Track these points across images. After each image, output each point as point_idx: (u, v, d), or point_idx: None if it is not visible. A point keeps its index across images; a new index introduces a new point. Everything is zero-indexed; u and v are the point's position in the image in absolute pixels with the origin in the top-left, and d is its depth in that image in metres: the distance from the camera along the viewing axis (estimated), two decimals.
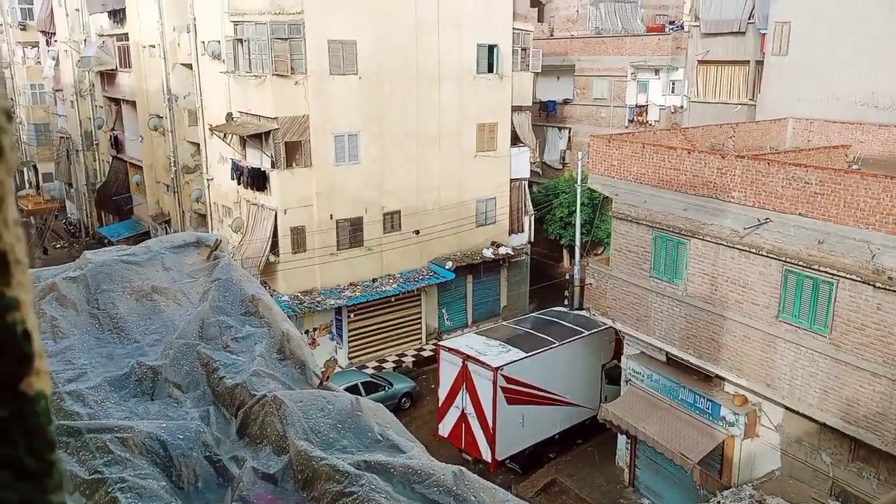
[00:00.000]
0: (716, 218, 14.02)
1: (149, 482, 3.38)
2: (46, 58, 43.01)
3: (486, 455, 17.48)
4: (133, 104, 32.40)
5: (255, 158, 23.07)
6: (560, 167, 33.23)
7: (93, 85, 36.48)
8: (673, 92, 29.20)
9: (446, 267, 25.39)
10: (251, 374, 4.24)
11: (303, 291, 23.16)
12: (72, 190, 41.61)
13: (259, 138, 22.59)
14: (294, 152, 22.65)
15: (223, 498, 3.46)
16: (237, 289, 5.25)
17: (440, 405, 18.93)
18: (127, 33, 31.43)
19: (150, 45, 29.62)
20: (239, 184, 23.58)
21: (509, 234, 27.68)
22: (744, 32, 24.18)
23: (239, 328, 4.89)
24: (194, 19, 25.13)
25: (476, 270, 26.92)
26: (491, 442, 17.45)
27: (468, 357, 17.97)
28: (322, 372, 4.55)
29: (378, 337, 25.14)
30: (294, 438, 3.59)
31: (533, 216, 28.76)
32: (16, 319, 0.55)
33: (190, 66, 26.22)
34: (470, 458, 17.61)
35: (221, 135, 23.98)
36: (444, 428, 18.68)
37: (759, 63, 23.60)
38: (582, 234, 25.98)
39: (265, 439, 3.79)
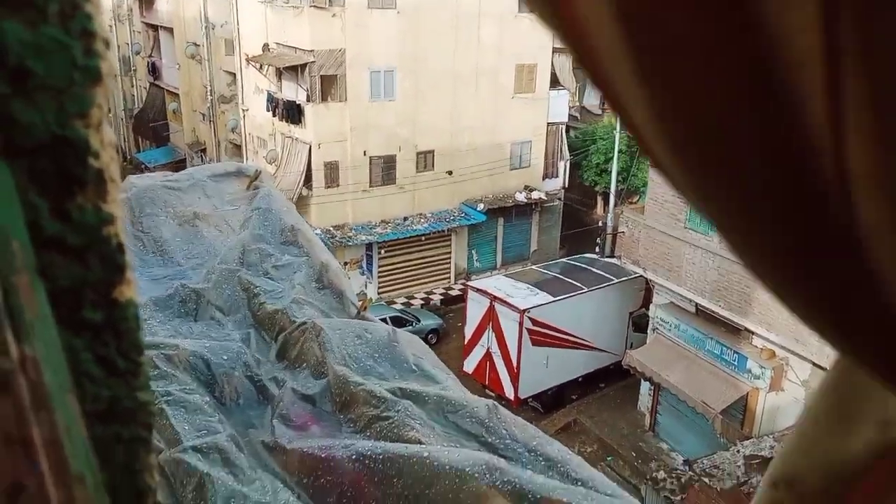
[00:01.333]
0: None
1: (193, 397, 3.52)
2: None
3: (509, 393, 17.82)
4: (170, 31, 32.30)
5: (291, 91, 22.98)
6: (599, 112, 32.57)
7: (130, 10, 36.37)
8: None
9: (478, 209, 25.35)
10: (291, 301, 4.35)
11: (335, 226, 23.38)
12: (109, 115, 41.99)
13: (295, 70, 22.45)
14: (329, 86, 22.50)
15: (263, 415, 3.61)
16: (277, 218, 5.33)
17: (466, 343, 19.25)
18: None
19: None
20: (274, 116, 23.59)
21: (543, 179, 27.44)
22: None
23: (279, 256, 4.98)
24: None
25: (508, 213, 26.85)
26: (514, 381, 17.77)
27: (496, 298, 18.14)
28: (360, 304, 4.64)
29: (407, 274, 25.41)
30: (333, 363, 3.70)
31: (568, 161, 28.40)
32: (111, 232, 0.59)
33: None
34: (493, 395, 17.97)
35: (257, 65, 23.87)
36: (469, 365, 19.03)
37: None
38: (618, 181, 25.64)
39: (304, 363, 3.91)
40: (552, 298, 18.15)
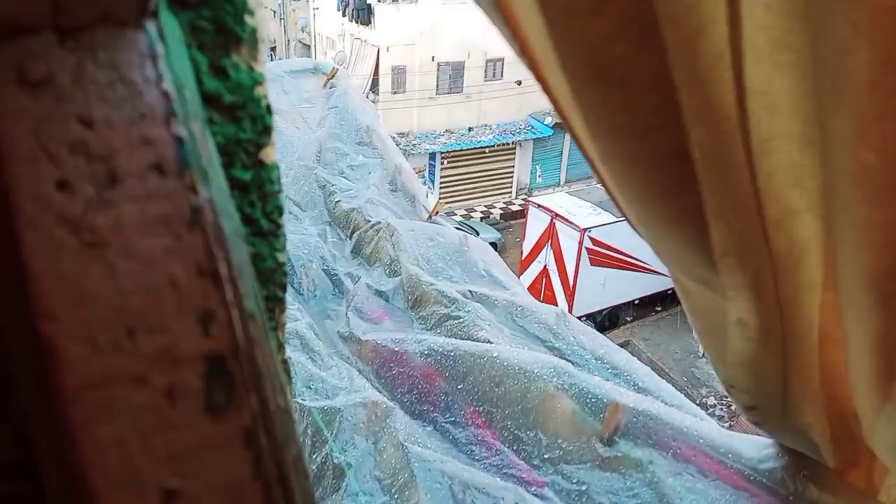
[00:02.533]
0: None
1: None
2: None
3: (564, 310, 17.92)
4: None
5: None
6: None
7: None
8: None
9: (545, 122, 24.79)
10: (366, 201, 4.43)
11: (399, 133, 23.31)
12: None
13: None
14: None
15: (339, 307, 3.77)
16: (352, 118, 5.35)
17: (523, 258, 19.30)
18: None
19: None
20: (344, 16, 23.22)
21: None
22: None
23: (354, 156, 5.04)
24: None
25: None
26: (570, 299, 17.85)
27: (557, 215, 17.98)
28: (432, 207, 4.70)
29: (468, 186, 25.35)
30: (405, 262, 3.79)
31: None
32: (261, 93, 0.60)
33: None
34: None
35: None
36: (525, 281, 19.14)
37: None
38: None
39: (378, 261, 4.02)
40: (614, 219, 17.86)
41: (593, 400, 2.57)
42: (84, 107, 0.40)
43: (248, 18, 0.58)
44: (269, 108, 0.65)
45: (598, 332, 3.23)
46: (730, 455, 2.10)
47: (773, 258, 1.13)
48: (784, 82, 0.84)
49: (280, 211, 0.75)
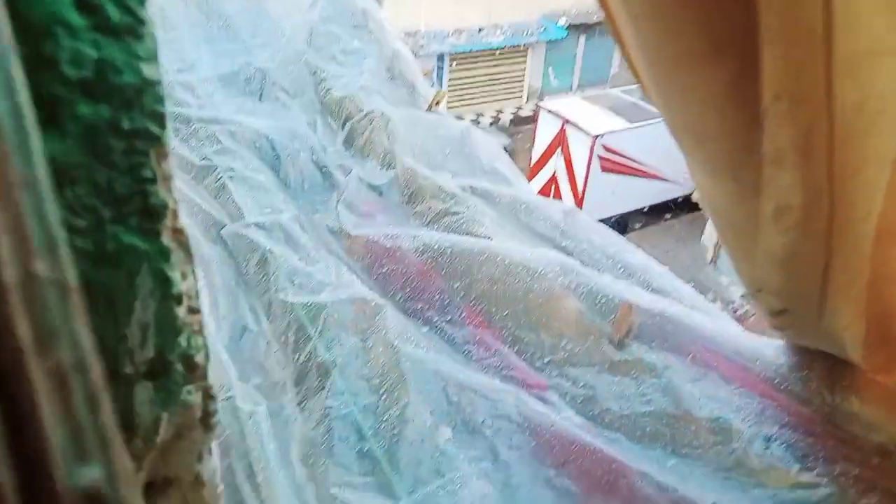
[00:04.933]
0: None
1: (258, 175, 3.40)
2: None
3: None
4: None
5: None
6: None
7: None
8: None
9: (559, 23, 23.66)
10: (359, 88, 4.07)
11: (406, 33, 22.31)
12: None
13: None
14: None
15: (328, 201, 3.48)
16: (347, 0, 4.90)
17: (532, 165, 18.86)
18: None
19: None
20: None
21: None
22: None
23: (348, 41, 4.62)
24: None
25: (591, 31, 25.02)
26: (578, 205, 17.53)
27: (568, 121, 17.43)
28: (432, 97, 4.33)
29: (478, 90, 24.52)
30: (401, 155, 3.48)
31: None
32: None
33: None
34: None
35: None
36: (533, 188, 18.79)
37: None
38: None
39: (371, 153, 3.71)
40: (628, 125, 17.33)
41: (603, 300, 2.31)
42: None
43: None
44: None
45: (609, 230, 2.95)
46: (757, 361, 1.86)
47: (833, 115, 0.84)
48: None
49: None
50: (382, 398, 2.30)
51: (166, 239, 0.62)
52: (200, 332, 0.71)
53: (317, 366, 2.51)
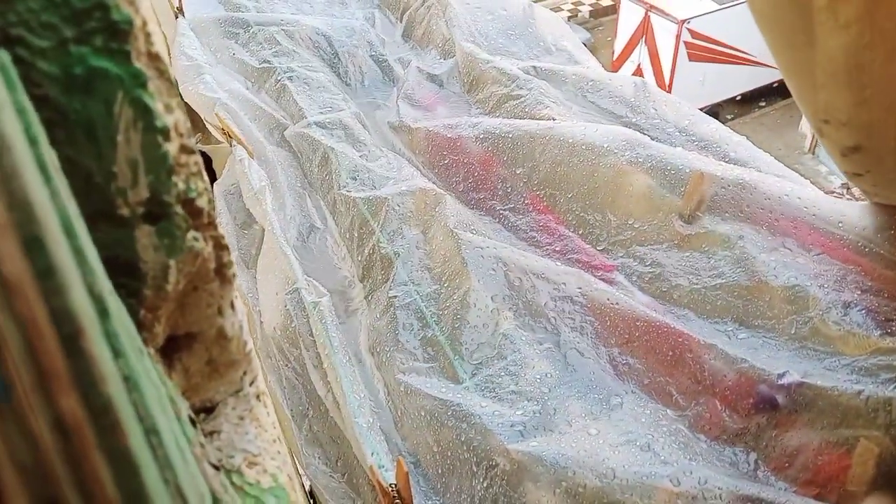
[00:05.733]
0: None
1: (317, 74, 3.35)
2: None
3: None
4: None
5: None
6: None
7: None
8: None
9: None
10: None
11: None
12: None
13: None
14: None
15: (389, 96, 3.40)
16: None
17: (614, 59, 17.91)
18: None
19: None
20: None
21: None
22: None
23: None
24: None
25: None
26: None
27: (652, 7, 16.31)
28: None
29: None
30: (460, 41, 3.32)
31: None
32: None
33: None
34: None
35: None
36: None
37: None
38: None
39: (430, 43, 3.57)
40: (717, 6, 16.06)
41: (672, 172, 2.16)
42: None
43: None
44: None
45: (682, 102, 2.74)
46: (840, 224, 1.69)
47: None
48: None
49: None
50: (444, 285, 2.28)
51: (140, 63, 0.57)
52: (200, 174, 0.67)
53: (380, 258, 2.51)
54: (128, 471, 0.32)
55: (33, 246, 0.30)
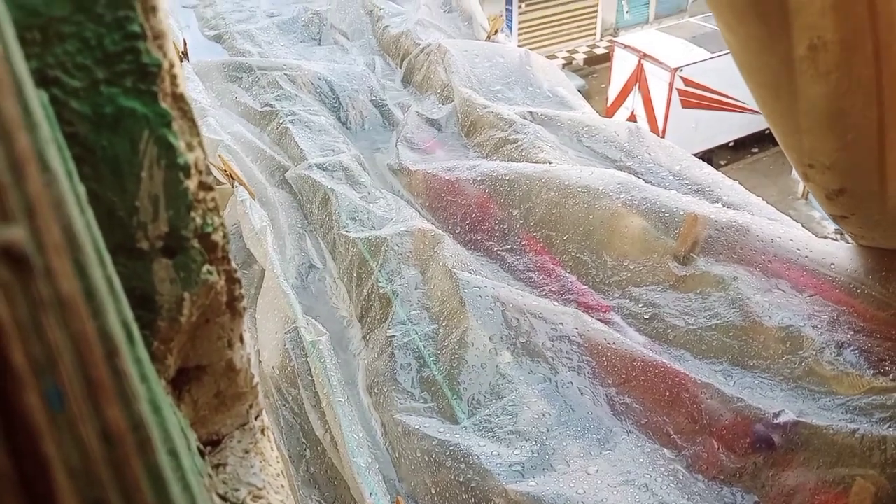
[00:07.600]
0: None
1: (318, 118, 3.42)
2: None
3: None
4: None
5: None
6: None
7: None
8: None
9: None
10: (416, 24, 3.99)
11: None
12: None
13: None
14: None
15: (389, 139, 3.47)
16: None
17: (608, 105, 18.23)
18: None
19: None
20: None
21: None
22: None
23: None
24: None
25: None
26: None
27: (645, 55, 16.67)
28: (490, 26, 4.20)
29: (549, 31, 23.78)
30: (458, 86, 3.41)
31: None
32: None
33: None
34: None
35: None
36: None
37: None
38: None
39: (430, 88, 3.65)
40: (709, 55, 16.41)
41: (666, 215, 2.21)
42: None
43: None
44: None
45: (676, 146, 2.80)
46: (832, 265, 1.73)
47: None
48: None
49: None
50: (442, 325, 2.29)
51: (166, 104, 0.61)
52: (216, 210, 0.70)
53: (379, 298, 2.53)
54: (160, 484, 0.34)
55: (79, 268, 0.33)
